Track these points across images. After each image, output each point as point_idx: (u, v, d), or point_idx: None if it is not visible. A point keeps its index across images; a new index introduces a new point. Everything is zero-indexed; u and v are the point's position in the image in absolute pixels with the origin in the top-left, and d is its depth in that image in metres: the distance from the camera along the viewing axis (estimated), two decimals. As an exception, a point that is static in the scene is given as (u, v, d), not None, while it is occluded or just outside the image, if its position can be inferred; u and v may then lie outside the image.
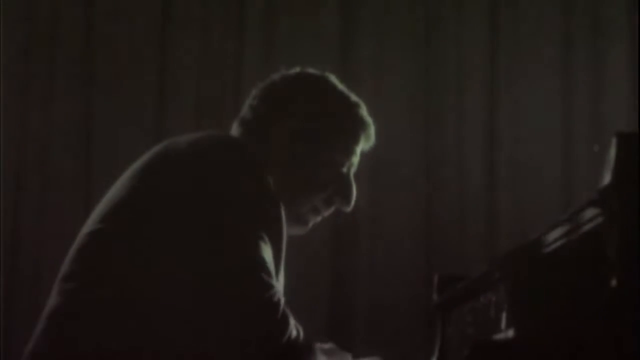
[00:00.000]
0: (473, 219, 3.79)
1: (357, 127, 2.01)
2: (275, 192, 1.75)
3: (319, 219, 2.02)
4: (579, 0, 3.92)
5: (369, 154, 2.08)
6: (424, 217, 3.79)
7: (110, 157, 3.59)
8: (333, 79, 2.05)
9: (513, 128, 3.85)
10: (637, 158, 1.37)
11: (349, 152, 2.00)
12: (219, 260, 1.64)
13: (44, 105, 3.76)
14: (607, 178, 1.38)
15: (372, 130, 2.02)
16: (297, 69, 2.05)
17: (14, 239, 3.67)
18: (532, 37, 3.89)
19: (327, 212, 2.02)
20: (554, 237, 1.57)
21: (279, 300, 1.66)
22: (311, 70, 2.06)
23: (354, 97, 2.03)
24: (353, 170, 2.02)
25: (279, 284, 1.76)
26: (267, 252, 1.68)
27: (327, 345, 1.87)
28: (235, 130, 2.02)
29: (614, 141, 1.39)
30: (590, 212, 1.45)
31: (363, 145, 2.02)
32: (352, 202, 2.01)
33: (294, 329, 1.69)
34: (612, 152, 1.38)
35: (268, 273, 1.66)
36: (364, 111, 2.02)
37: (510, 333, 1.62)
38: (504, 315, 1.70)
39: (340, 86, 2.04)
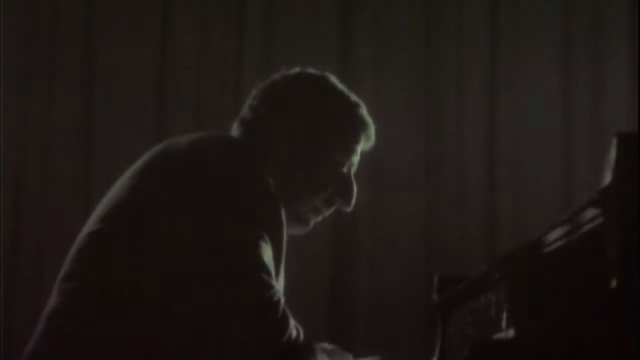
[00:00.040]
0: (473, 219, 3.79)
1: (357, 127, 2.00)
2: (275, 192, 1.75)
3: (319, 218, 2.02)
4: (579, 0, 3.92)
5: (369, 154, 2.08)
6: (424, 217, 3.79)
7: (110, 157, 3.59)
8: (333, 79, 2.05)
9: (513, 128, 3.85)
10: (637, 158, 1.37)
11: (349, 152, 2.00)
12: (219, 260, 1.64)
13: (44, 105, 3.76)
14: (607, 178, 1.38)
15: (372, 130, 2.02)
16: (297, 69, 2.05)
17: (14, 239, 3.67)
18: (532, 37, 3.89)
19: (327, 212, 2.02)
20: (554, 237, 1.57)
21: (278, 300, 1.66)
22: (311, 70, 2.05)
23: (354, 97, 2.03)
24: (353, 170, 2.03)
25: (279, 284, 1.76)
26: (267, 252, 1.68)
27: (329, 346, 1.87)
28: (235, 130, 2.02)
29: (614, 141, 1.39)
30: (590, 213, 1.45)
31: (363, 145, 2.02)
32: (353, 202, 2.01)
33: (294, 329, 1.69)
34: (612, 152, 1.38)
35: (268, 273, 1.66)
36: (364, 111, 2.02)
37: (511, 333, 1.62)
38: (504, 315, 1.70)
39: (340, 86, 2.04)
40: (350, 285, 3.74)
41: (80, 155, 3.75)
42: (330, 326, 3.63)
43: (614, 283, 1.35)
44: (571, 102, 3.86)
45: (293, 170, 1.94)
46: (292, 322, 1.69)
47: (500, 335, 1.67)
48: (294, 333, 1.68)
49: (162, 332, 1.62)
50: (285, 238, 1.76)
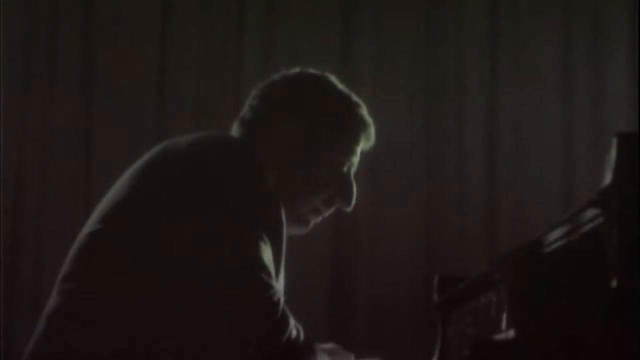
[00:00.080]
0: (473, 219, 3.79)
1: (357, 127, 2.01)
2: (275, 192, 1.75)
3: (319, 219, 2.02)
4: (579, 0, 3.92)
5: (369, 154, 2.08)
6: (424, 217, 3.79)
7: (110, 157, 3.59)
8: (333, 79, 2.05)
9: (513, 128, 3.85)
10: (637, 158, 1.37)
11: (349, 152, 2.00)
12: (219, 260, 1.64)
13: (44, 105, 3.76)
14: (607, 178, 1.38)
15: (372, 130, 2.02)
16: (297, 69, 2.05)
17: (14, 239, 3.67)
18: (532, 37, 3.89)
19: (327, 212, 2.02)
20: (554, 237, 1.57)
21: (278, 300, 1.66)
22: (311, 70, 2.06)
23: (354, 97, 2.03)
24: (353, 170, 2.03)
25: (279, 284, 1.76)
26: (266, 253, 1.68)
27: (330, 345, 1.87)
28: (235, 130, 2.02)
29: (614, 141, 1.39)
30: (590, 213, 1.45)
31: (363, 145, 2.02)
32: (353, 202, 2.01)
33: (294, 328, 1.69)
34: (613, 153, 1.38)
35: (268, 273, 1.66)
36: (364, 111, 2.02)
37: (511, 333, 1.62)
38: (504, 316, 1.70)
39: (341, 86, 2.04)
40: (350, 285, 3.74)
41: (80, 155, 3.75)
42: (330, 326, 3.63)
43: (614, 283, 1.35)
44: (571, 102, 3.86)
45: (293, 170, 1.94)
46: (292, 322, 1.69)
47: (501, 336, 1.67)
48: (294, 333, 1.68)
49: (162, 332, 1.62)
50: (285, 238, 1.76)
